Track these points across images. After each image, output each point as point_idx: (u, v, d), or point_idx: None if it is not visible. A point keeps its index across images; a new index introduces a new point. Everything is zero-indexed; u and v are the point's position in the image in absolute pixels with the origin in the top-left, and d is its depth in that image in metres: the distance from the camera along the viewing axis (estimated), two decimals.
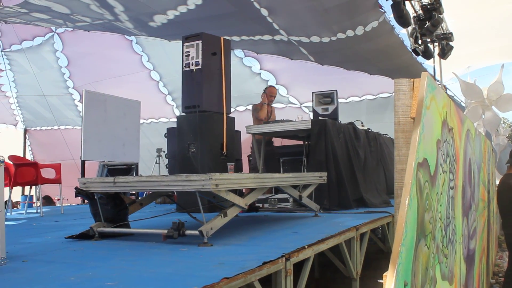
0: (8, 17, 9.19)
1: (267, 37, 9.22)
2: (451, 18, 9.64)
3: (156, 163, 9.85)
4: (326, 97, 6.79)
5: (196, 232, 3.16)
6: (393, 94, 2.32)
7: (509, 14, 11.31)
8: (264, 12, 7.80)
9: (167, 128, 8.25)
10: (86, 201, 4.25)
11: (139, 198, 6.44)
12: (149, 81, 12.63)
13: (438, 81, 9.91)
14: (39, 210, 6.81)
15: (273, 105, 8.24)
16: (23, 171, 6.54)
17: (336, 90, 6.79)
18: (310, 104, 7.46)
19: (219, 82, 6.07)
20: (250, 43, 9.77)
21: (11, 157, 6.66)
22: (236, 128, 6.61)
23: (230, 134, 6.16)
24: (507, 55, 14.17)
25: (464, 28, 11.15)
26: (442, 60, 9.67)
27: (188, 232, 3.22)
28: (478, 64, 15.54)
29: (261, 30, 8.81)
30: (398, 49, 9.13)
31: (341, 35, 8.42)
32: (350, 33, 8.24)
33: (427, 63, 10.06)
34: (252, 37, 9.33)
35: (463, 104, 13.47)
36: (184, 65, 6.02)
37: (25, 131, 14.97)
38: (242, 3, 7.53)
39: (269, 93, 7.86)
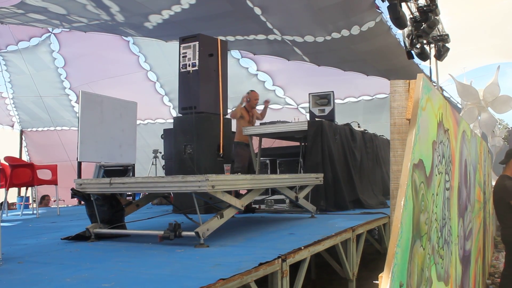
0: (4, 17, 9.17)
1: (261, 37, 9.22)
2: (446, 16, 9.64)
3: (152, 164, 9.83)
4: (323, 98, 6.79)
5: (193, 233, 3.15)
6: (390, 95, 2.33)
7: (504, 12, 11.34)
8: (257, 11, 7.80)
9: (164, 129, 8.24)
10: (82, 202, 4.24)
11: (136, 199, 6.42)
12: (146, 82, 12.61)
13: (434, 82, 9.93)
14: (35, 211, 6.79)
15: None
16: (19, 172, 6.51)
17: (332, 91, 6.80)
18: (307, 105, 7.45)
19: (216, 83, 6.06)
20: (245, 43, 9.78)
21: (7, 158, 6.63)
22: (232, 130, 6.60)
23: (226, 135, 6.15)
24: (502, 55, 14.23)
25: (459, 26, 11.17)
26: (438, 61, 9.69)
27: (184, 233, 3.22)
28: (474, 64, 15.58)
29: (256, 29, 8.82)
30: (395, 50, 9.15)
31: (336, 35, 8.44)
32: (345, 32, 8.26)
33: (423, 64, 10.08)
34: (247, 36, 9.33)
35: (459, 106, 13.51)
36: (181, 66, 6.01)
37: (21, 132, 14.93)
38: (235, 2, 7.54)
39: (253, 97, 7.57)
